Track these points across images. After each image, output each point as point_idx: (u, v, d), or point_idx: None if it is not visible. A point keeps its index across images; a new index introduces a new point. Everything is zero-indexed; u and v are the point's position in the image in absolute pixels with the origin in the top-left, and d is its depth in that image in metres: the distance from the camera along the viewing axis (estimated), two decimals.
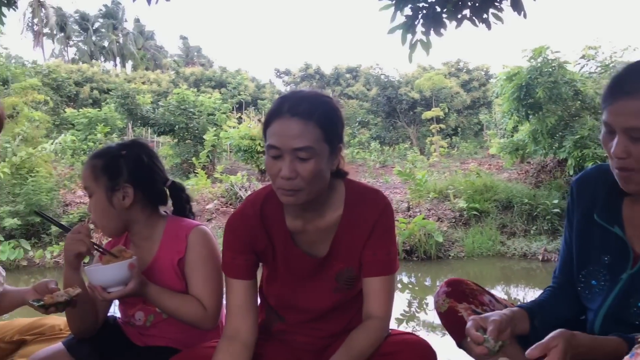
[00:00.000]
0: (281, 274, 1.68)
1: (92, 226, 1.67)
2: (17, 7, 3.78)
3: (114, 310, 1.90)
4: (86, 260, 1.75)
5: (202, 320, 1.69)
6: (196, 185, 11.17)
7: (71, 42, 50.21)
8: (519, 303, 1.68)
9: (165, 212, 1.85)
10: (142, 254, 1.77)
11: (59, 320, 1.89)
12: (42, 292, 1.61)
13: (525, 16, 3.69)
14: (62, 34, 48.58)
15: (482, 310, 1.65)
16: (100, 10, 50.18)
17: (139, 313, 1.78)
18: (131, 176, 1.72)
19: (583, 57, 10.60)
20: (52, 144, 10.30)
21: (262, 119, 1.59)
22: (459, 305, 1.66)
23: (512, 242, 9.23)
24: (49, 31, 47.49)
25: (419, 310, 6.81)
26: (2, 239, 9.02)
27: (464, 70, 24.31)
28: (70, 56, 48.40)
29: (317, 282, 1.67)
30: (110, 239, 1.86)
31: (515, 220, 9.66)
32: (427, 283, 8.30)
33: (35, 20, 45.84)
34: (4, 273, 1.77)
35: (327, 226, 1.62)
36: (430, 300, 7.15)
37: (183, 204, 1.89)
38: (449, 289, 1.70)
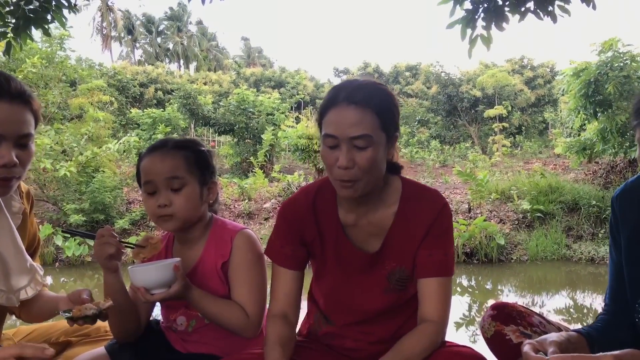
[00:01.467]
0: (330, 268, 1.64)
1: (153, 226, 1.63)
2: (78, 10, 3.88)
3: (157, 314, 1.87)
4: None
5: (244, 327, 1.63)
6: (254, 184, 11.27)
7: (138, 45, 51.97)
8: (573, 328, 1.53)
9: (212, 213, 1.81)
10: (187, 255, 1.73)
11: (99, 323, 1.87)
12: (75, 301, 1.58)
13: (594, 7, 3.46)
14: (129, 36, 50.34)
15: (532, 332, 1.55)
16: (166, 12, 51.69)
17: (181, 318, 1.74)
18: (213, 173, 1.75)
19: None
20: (116, 143, 10.63)
21: (317, 111, 1.53)
22: (506, 328, 1.55)
23: (579, 246, 8.83)
24: (117, 34, 49.33)
25: (478, 315, 6.60)
26: (69, 235, 9.36)
27: (528, 67, 23.52)
28: (136, 58, 50.11)
29: (367, 280, 1.62)
30: (165, 233, 1.83)
31: (582, 223, 9.25)
32: (488, 287, 8.06)
33: (104, 24, 47.71)
34: (42, 272, 1.75)
35: (381, 222, 1.58)
36: (491, 303, 6.93)
37: (217, 206, 1.88)
38: (494, 312, 1.60)
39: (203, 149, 1.75)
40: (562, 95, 11.95)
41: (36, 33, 3.90)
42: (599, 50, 9.48)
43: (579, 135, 12.03)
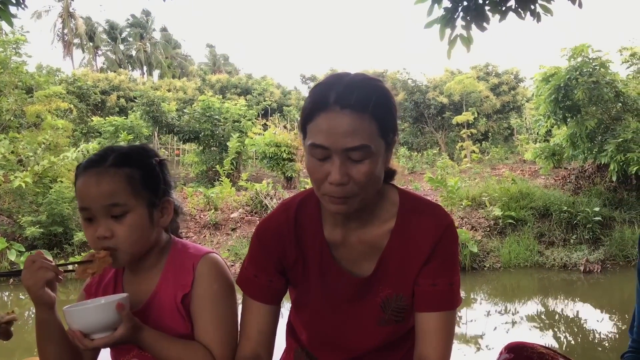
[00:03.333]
0: (314, 295, 1.38)
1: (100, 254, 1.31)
2: (26, 6, 3.55)
3: (105, 356, 1.57)
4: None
5: None
6: (220, 194, 10.95)
7: (100, 52, 51.01)
8: None
9: (169, 234, 1.52)
10: (139, 286, 1.44)
11: None
12: None
13: (580, 5, 3.32)
14: (91, 43, 49.34)
15: None
16: (128, 19, 50.90)
17: None
18: (167, 188, 1.43)
19: (630, 55, 10.16)
20: (75, 152, 10.19)
21: (300, 112, 1.23)
22: None
23: (551, 252, 8.80)
24: (79, 41, 48.31)
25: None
26: (24, 249, 8.91)
27: (493, 74, 23.82)
28: (98, 65, 49.12)
29: (358, 309, 1.36)
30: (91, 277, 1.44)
31: (553, 229, 9.24)
32: (461, 295, 7.92)
33: (65, 31, 46.66)
34: None
35: (374, 240, 1.32)
36: (464, 313, 6.80)
37: (177, 223, 1.56)
38: (510, 356, 1.37)
39: (153, 161, 1.43)
40: (527, 102, 12.06)
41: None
42: (569, 56, 9.51)
43: (545, 141, 12.10)
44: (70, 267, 1.38)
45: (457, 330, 6.08)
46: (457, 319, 6.61)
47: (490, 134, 21.65)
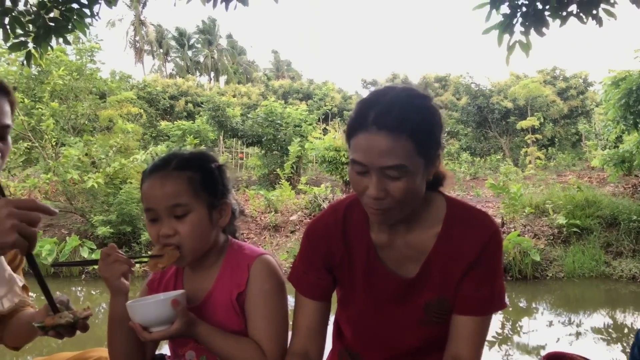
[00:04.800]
0: (359, 295, 1.44)
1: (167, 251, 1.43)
2: (99, 17, 3.80)
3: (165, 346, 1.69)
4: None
5: None
6: (280, 196, 11.13)
7: (169, 58, 52.77)
8: None
9: (228, 235, 1.62)
10: (198, 283, 1.54)
11: (106, 353, 1.70)
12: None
13: (638, 5, 3.21)
14: (161, 50, 51.14)
15: None
16: (197, 26, 52.41)
17: (190, 353, 1.54)
18: (225, 191, 1.53)
19: None
20: (144, 154, 10.62)
21: (345, 127, 1.31)
22: None
23: (619, 263, 8.43)
24: (149, 48, 50.20)
25: (511, 333, 6.32)
26: (95, 246, 9.34)
27: (561, 78, 23.07)
28: (168, 71, 50.85)
29: (401, 309, 1.41)
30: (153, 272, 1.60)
31: (622, 239, 8.85)
32: (522, 304, 7.74)
33: (137, 38, 48.61)
34: (21, 283, 1.59)
35: (420, 244, 1.37)
36: (525, 322, 6.65)
37: (235, 225, 1.65)
38: None
39: (212, 165, 1.52)
40: (596, 106, 11.59)
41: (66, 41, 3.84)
42: None
43: (615, 147, 11.62)
44: (138, 260, 1.50)
45: (517, 340, 5.97)
46: (517, 328, 6.49)
47: (556, 139, 20.98)
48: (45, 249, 8.98)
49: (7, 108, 1.37)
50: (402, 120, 1.19)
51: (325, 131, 16.95)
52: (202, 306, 1.50)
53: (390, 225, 1.37)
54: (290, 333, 1.49)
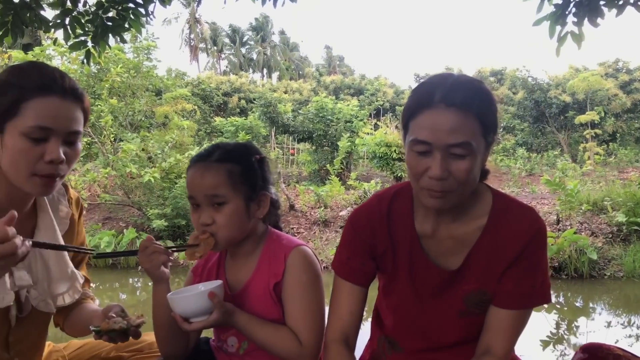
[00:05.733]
0: (401, 284, 1.46)
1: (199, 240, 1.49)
2: (154, 16, 3.93)
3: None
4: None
5: (296, 356, 1.47)
6: (330, 192, 11.17)
7: (223, 55, 53.70)
8: None
9: (268, 225, 1.66)
10: (238, 271, 1.60)
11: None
12: (109, 316, 1.50)
13: None
14: (215, 47, 52.10)
15: None
16: (250, 23, 53.11)
17: (232, 338, 1.60)
18: (265, 183, 1.57)
19: None
20: (198, 150, 10.84)
21: (403, 110, 1.32)
22: None
23: None
24: (204, 45, 51.23)
25: (567, 334, 6.15)
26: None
27: (624, 71, 22.10)
28: (222, 68, 51.75)
29: (442, 300, 1.42)
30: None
31: None
32: (578, 304, 7.52)
33: (192, 36, 49.68)
34: (82, 280, 1.68)
35: (464, 236, 1.37)
36: (582, 322, 6.46)
37: (276, 216, 1.70)
38: (585, 356, 1.37)
39: (253, 158, 1.57)
40: None
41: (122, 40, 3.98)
42: None
43: None
44: (176, 249, 1.56)
45: (574, 340, 5.80)
46: (573, 328, 6.31)
47: (618, 134, 20.16)
48: (104, 241, 9.34)
49: (78, 114, 1.42)
50: (469, 98, 1.21)
51: (376, 127, 16.85)
52: (242, 294, 1.56)
53: (435, 216, 1.38)
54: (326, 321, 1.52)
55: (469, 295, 1.39)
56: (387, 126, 14.79)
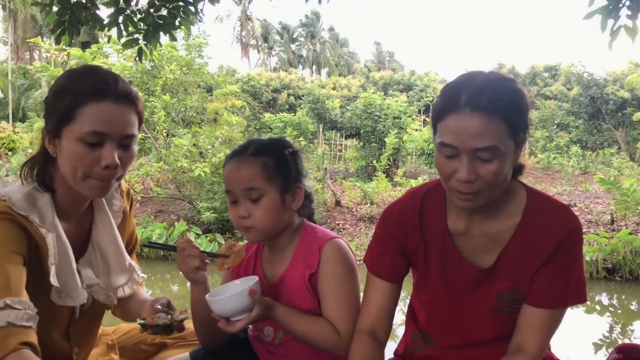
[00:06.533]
0: (433, 280, 1.46)
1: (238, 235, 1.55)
2: (203, 14, 4.02)
3: None
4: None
5: (335, 347, 1.50)
6: (377, 188, 11.14)
7: (273, 52, 54.22)
8: None
9: (303, 218, 1.70)
10: (275, 263, 1.64)
11: None
12: (155, 309, 1.55)
13: None
14: (266, 44, 52.64)
15: None
16: (301, 20, 53.39)
17: (268, 328, 1.65)
18: (299, 175, 1.61)
19: None
20: None
21: (431, 110, 1.33)
22: None
23: None
24: (255, 42, 51.85)
25: (621, 337, 5.96)
26: (201, 232, 9.87)
27: None
28: (272, 65, 52.26)
29: (474, 298, 1.42)
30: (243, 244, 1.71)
31: None
32: (632, 307, 7.26)
33: (243, 33, 50.36)
34: (139, 271, 1.75)
35: (497, 234, 1.37)
36: (636, 326, 6.24)
37: (311, 208, 1.72)
38: (619, 356, 1.35)
39: (287, 152, 1.61)
40: None
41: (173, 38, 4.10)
42: None
43: None
44: (214, 256, 1.60)
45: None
46: (628, 332, 6.11)
47: None
48: (156, 233, 9.62)
49: (132, 118, 1.46)
50: (495, 101, 1.19)
51: (425, 123, 16.71)
52: (278, 285, 1.60)
53: (468, 214, 1.38)
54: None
55: (501, 293, 1.38)
56: None
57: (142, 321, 1.48)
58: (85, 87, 1.40)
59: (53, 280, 1.44)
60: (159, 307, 1.55)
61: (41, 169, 1.48)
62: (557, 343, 1.55)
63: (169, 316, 1.50)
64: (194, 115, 13.51)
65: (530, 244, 1.33)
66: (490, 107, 1.18)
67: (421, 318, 1.56)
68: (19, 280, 1.32)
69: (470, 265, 1.40)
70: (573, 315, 6.11)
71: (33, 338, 1.28)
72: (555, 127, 21.44)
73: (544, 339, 1.34)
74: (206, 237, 9.80)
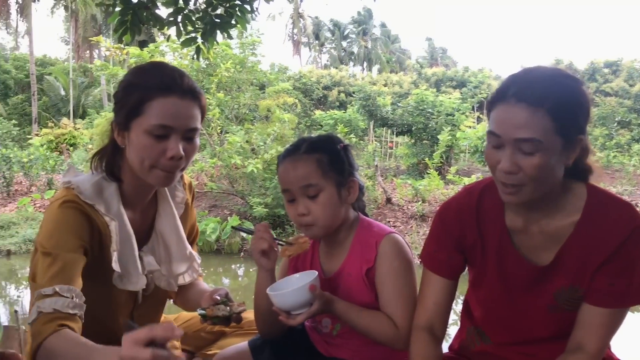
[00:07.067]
0: (490, 277, 1.46)
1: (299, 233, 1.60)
2: (258, 13, 4.08)
3: None
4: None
5: (394, 340, 1.52)
6: (428, 186, 11.03)
7: (324, 49, 54.34)
8: None
9: (358, 213, 1.72)
10: (332, 257, 1.67)
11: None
12: (214, 300, 1.60)
13: None
14: (317, 41, 52.82)
15: None
16: (352, 17, 53.25)
17: (326, 320, 1.67)
18: (352, 169, 1.64)
19: None
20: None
21: (486, 101, 1.35)
22: None
23: None
24: (306, 40, 52.12)
25: None
26: (252, 227, 10.02)
27: None
28: (323, 62, 52.40)
29: (531, 295, 1.41)
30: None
31: None
32: None
33: (295, 31, 50.69)
34: (199, 260, 1.82)
35: (556, 232, 1.35)
36: None
37: (363, 202, 1.74)
38: None
39: (338, 147, 1.63)
40: None
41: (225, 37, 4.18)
42: None
43: None
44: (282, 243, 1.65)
45: None
46: None
47: None
48: (210, 227, 9.85)
49: (196, 112, 1.53)
50: (543, 95, 1.20)
51: (479, 120, 16.41)
52: (335, 279, 1.62)
53: (526, 211, 1.37)
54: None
55: (559, 291, 1.37)
56: None
57: (203, 312, 1.54)
58: (153, 83, 1.48)
59: (115, 265, 1.52)
60: (218, 297, 1.60)
61: (110, 159, 1.57)
62: (619, 345, 1.52)
63: (228, 308, 1.55)
64: (247, 112, 13.73)
65: (590, 242, 1.31)
66: (536, 99, 1.19)
67: (476, 314, 1.56)
68: (73, 269, 1.40)
69: (528, 263, 1.39)
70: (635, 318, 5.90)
71: (75, 324, 1.33)
72: (615, 124, 20.64)
73: (605, 338, 1.32)
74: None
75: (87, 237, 1.48)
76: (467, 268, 1.56)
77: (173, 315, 1.98)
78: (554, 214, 1.35)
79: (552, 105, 1.19)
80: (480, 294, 1.52)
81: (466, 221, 1.46)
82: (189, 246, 1.77)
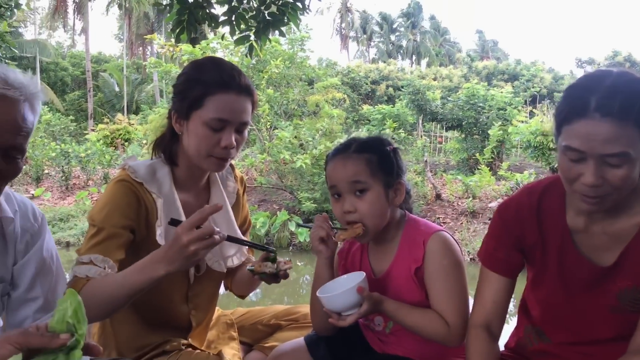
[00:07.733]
0: (550, 277, 1.45)
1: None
2: (310, 10, 4.11)
3: None
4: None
5: (445, 338, 1.53)
6: (479, 182, 10.86)
7: (372, 43, 54.07)
8: None
9: (405, 211, 1.73)
10: (380, 258, 1.69)
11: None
12: (263, 256, 1.70)
13: None
14: (365, 35, 52.60)
15: None
16: (402, 10, 52.80)
17: (379, 318, 1.70)
18: (400, 172, 1.66)
19: None
20: (345, 138, 11.12)
21: (555, 111, 1.30)
22: None
23: None
24: (354, 34, 51.99)
25: None
26: (301, 221, 10.13)
27: None
28: (371, 56, 52.16)
29: (592, 295, 1.39)
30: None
31: None
32: None
33: (343, 25, 50.64)
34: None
35: (620, 231, 1.33)
36: None
37: (410, 204, 1.75)
38: None
39: (388, 149, 1.65)
40: None
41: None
42: None
43: None
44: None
45: None
46: None
47: None
48: (260, 221, 10.00)
49: (249, 107, 1.67)
50: (628, 106, 1.15)
51: (531, 114, 16.00)
52: (385, 278, 1.64)
53: (588, 212, 1.35)
54: (471, 306, 1.56)
55: (622, 291, 1.35)
56: (544, 114, 13.98)
57: (251, 268, 1.63)
58: (215, 79, 1.61)
59: (159, 239, 1.64)
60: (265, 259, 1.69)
61: (167, 144, 1.72)
62: None
63: (275, 265, 1.63)
64: (296, 108, 13.83)
65: None
66: (622, 112, 1.14)
67: (534, 313, 1.56)
68: (113, 243, 1.56)
69: (590, 263, 1.38)
70: None
71: None
72: None
73: None
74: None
75: (133, 214, 1.61)
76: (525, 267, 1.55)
77: (230, 310, 2.05)
78: (618, 215, 1.33)
79: (637, 115, 1.15)
80: (540, 294, 1.51)
81: (526, 220, 1.45)
82: (238, 231, 1.85)
